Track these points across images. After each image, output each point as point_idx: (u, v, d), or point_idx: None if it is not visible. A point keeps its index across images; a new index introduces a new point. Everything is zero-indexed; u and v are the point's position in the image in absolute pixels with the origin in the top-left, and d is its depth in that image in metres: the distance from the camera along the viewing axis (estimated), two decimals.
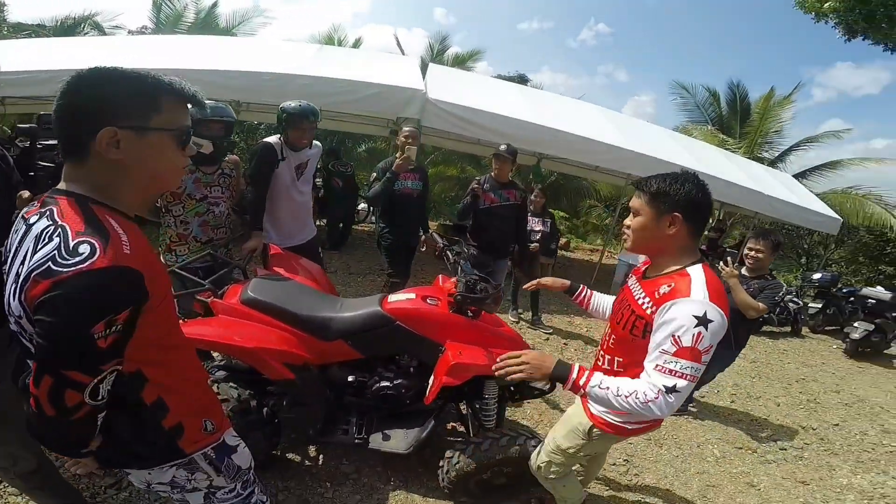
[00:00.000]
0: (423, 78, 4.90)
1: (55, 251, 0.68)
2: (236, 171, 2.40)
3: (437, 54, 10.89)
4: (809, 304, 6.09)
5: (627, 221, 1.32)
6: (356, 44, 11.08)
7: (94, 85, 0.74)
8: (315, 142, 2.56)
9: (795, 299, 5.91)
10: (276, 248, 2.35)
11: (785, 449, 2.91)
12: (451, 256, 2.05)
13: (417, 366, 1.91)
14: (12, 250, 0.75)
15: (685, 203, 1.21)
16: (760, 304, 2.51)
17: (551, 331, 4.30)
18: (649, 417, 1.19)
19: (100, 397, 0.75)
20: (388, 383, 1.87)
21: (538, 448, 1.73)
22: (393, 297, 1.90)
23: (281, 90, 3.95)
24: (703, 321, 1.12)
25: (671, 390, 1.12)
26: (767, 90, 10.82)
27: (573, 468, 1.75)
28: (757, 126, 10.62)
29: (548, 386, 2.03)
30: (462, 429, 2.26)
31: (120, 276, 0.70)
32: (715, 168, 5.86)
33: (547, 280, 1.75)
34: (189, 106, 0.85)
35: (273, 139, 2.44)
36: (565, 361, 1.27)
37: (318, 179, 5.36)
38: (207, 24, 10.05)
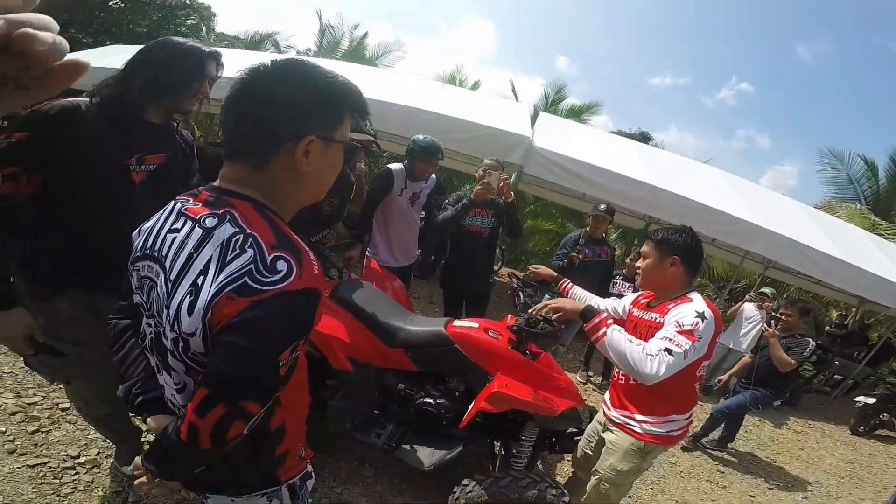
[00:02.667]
0: (533, 126, 5.01)
1: (251, 265, 0.61)
2: (358, 182, 2.64)
3: (551, 103, 10.79)
4: None
5: (638, 263, 1.73)
6: (475, 86, 11.58)
7: (299, 83, 0.68)
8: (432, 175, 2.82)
9: None
10: (374, 262, 2.63)
11: None
12: (522, 297, 2.10)
13: (464, 391, 1.98)
14: (176, 249, 0.68)
15: (681, 248, 1.62)
16: (791, 359, 3.17)
17: None
18: (640, 370, 1.42)
19: (244, 432, 0.68)
20: (431, 400, 1.97)
21: (593, 483, 1.78)
22: (458, 322, 2.03)
23: (406, 122, 4.41)
24: (701, 315, 1.49)
25: (668, 352, 1.42)
26: None
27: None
28: None
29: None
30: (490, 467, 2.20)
31: (312, 299, 0.66)
32: (858, 255, 4.88)
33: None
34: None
35: (396, 166, 2.71)
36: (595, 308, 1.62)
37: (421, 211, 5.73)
38: (357, 52, 11.47)
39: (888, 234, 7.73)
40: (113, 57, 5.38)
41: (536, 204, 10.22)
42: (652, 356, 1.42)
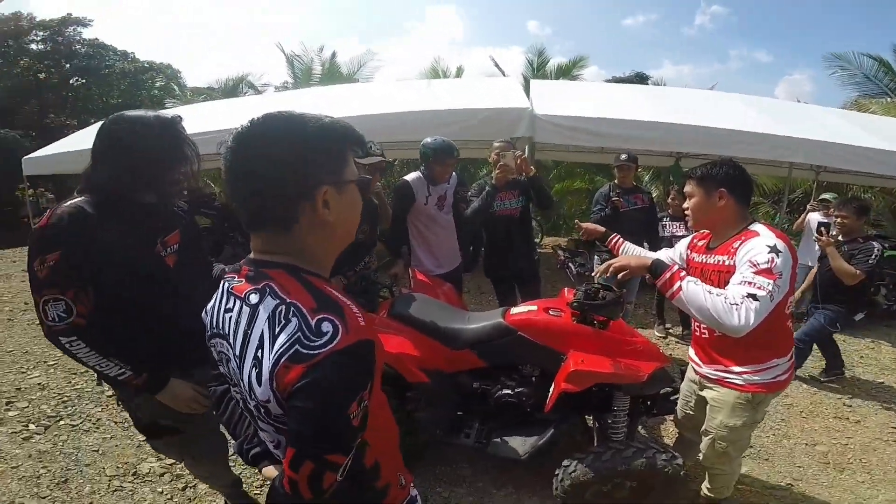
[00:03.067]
0: (529, 96, 4.93)
1: (299, 333, 0.64)
2: (379, 200, 2.70)
3: (538, 68, 10.62)
4: None
5: (686, 204, 1.66)
6: (458, 72, 11.49)
7: (290, 138, 0.67)
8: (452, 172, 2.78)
9: None
10: (418, 273, 2.65)
11: None
12: (573, 268, 2.06)
13: (539, 375, 1.96)
14: (233, 327, 0.72)
15: (725, 179, 1.54)
16: (857, 269, 2.81)
17: None
18: (727, 323, 1.34)
19: (346, 472, 0.71)
20: (509, 391, 1.97)
21: (706, 443, 1.72)
22: (515, 309, 2.02)
23: (402, 128, 4.40)
24: (774, 250, 1.40)
25: (752, 297, 1.34)
26: None
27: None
28: None
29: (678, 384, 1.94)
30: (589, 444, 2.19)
31: (364, 351, 0.67)
32: None
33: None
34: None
35: (412, 176, 2.67)
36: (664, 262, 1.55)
37: None
38: (332, 73, 11.41)
39: None
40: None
41: (559, 167, 10.11)
42: (737, 305, 1.33)
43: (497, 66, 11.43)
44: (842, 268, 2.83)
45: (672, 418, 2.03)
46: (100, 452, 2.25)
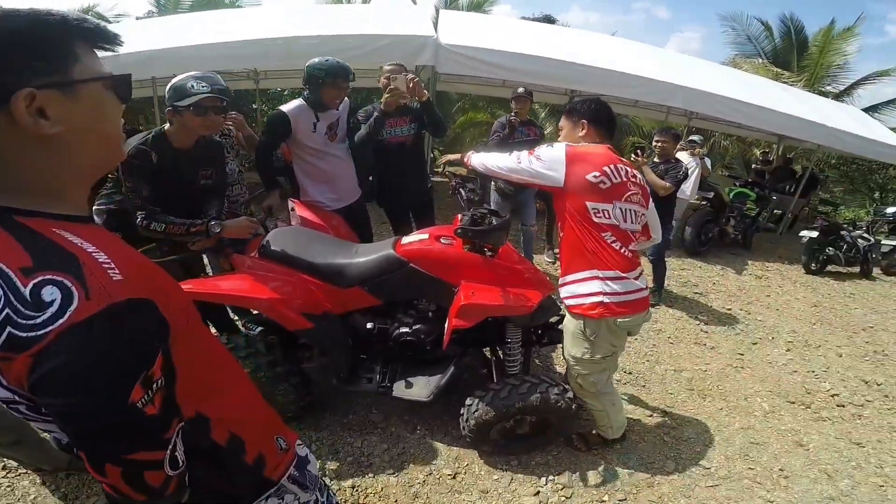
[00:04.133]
0: (437, 27, 4.64)
1: (6, 310, 0.45)
2: (238, 128, 2.37)
3: (450, 2, 10.23)
4: (882, 242, 5.44)
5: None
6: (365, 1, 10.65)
7: None
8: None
9: (866, 235, 5.26)
10: (297, 203, 2.34)
11: (842, 406, 2.64)
12: (464, 194, 1.93)
13: (436, 310, 1.85)
14: None
15: (588, 112, 1.72)
16: (667, 182, 3.22)
17: None
18: (481, 158, 1.82)
19: (179, 463, 0.59)
20: (407, 329, 1.84)
21: (568, 374, 1.82)
22: (406, 239, 1.84)
23: (292, 53, 3.90)
24: (549, 145, 1.68)
25: (510, 154, 1.74)
26: (827, 23, 9.94)
27: (607, 377, 1.86)
28: (817, 60, 9.89)
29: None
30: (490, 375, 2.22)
31: (126, 317, 0.49)
32: (769, 100, 5.36)
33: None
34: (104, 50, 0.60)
35: (291, 105, 2.27)
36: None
37: None
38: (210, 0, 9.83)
39: (791, 82, 8.67)
40: None
41: (463, 99, 10.17)
42: (500, 156, 1.69)
43: None
44: (655, 181, 3.20)
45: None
46: None
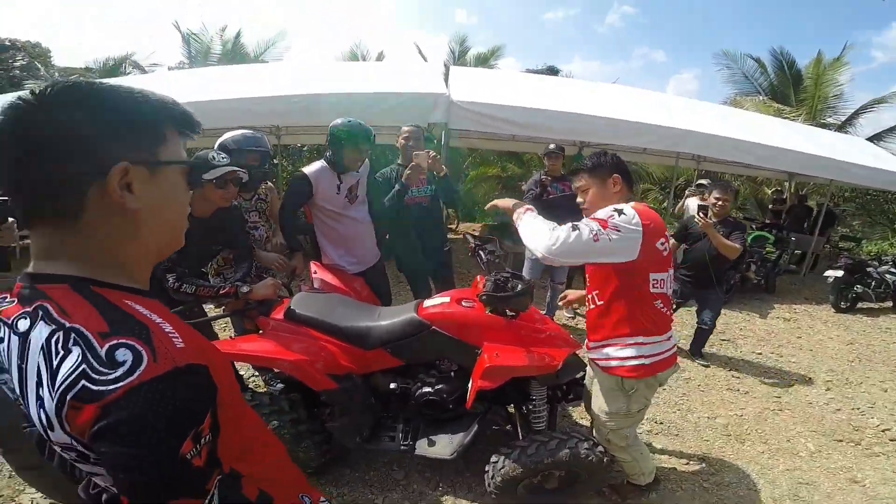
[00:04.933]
0: (448, 84, 4.85)
1: (83, 365, 0.49)
2: (272, 196, 2.49)
3: (459, 56, 10.86)
4: None
5: (580, 199, 1.67)
6: (379, 57, 11.22)
7: (84, 106, 0.52)
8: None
9: (893, 270, 5.12)
10: (318, 265, 2.39)
11: None
12: (484, 256, 1.98)
13: (458, 370, 1.87)
14: (7, 362, 0.57)
15: (616, 166, 1.60)
16: (736, 244, 2.90)
17: None
18: (540, 242, 1.41)
19: None
20: (429, 389, 1.85)
21: (596, 426, 1.77)
22: (428, 303, 1.88)
23: (312, 110, 4.11)
24: (618, 210, 1.43)
25: (574, 227, 1.39)
26: (815, 55, 10.12)
27: (636, 432, 1.81)
28: (813, 92, 9.98)
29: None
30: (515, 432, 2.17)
31: (186, 380, 0.54)
32: (776, 138, 5.42)
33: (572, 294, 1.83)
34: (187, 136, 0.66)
35: (313, 168, 2.31)
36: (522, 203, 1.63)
37: None
38: (235, 54, 10.42)
39: (793, 117, 8.82)
40: None
41: (474, 155, 10.38)
42: (557, 229, 1.39)
43: (420, 52, 11.25)
44: (725, 244, 2.86)
45: (583, 399, 2.05)
46: None
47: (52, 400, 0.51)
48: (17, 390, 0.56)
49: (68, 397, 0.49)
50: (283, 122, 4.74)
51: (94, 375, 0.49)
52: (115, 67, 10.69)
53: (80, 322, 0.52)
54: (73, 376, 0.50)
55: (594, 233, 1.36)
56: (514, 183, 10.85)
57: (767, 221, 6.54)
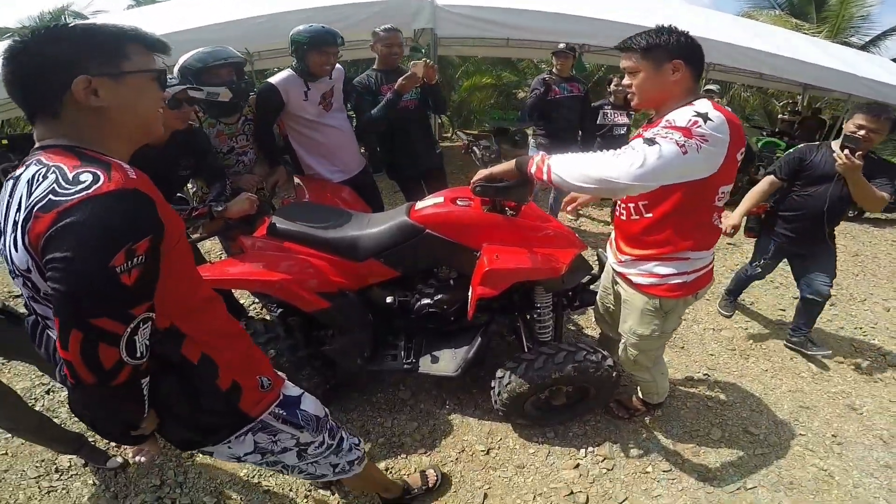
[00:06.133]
0: None
1: (53, 184, 0.63)
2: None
3: None
4: None
5: (627, 81, 1.31)
6: None
7: (49, 43, 0.70)
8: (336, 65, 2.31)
9: None
10: (302, 179, 2.25)
11: (895, 366, 2.44)
12: (478, 152, 1.77)
13: (458, 277, 1.73)
14: (3, 208, 0.71)
15: (683, 48, 1.23)
16: (885, 194, 1.96)
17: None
18: (614, 171, 1.11)
19: (138, 354, 0.69)
20: (428, 300, 1.73)
21: (622, 346, 1.63)
22: (420, 204, 1.71)
23: (281, 29, 3.68)
24: (702, 115, 1.13)
25: (650, 142, 1.10)
26: None
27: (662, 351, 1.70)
28: (838, 11, 9.58)
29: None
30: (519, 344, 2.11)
31: (131, 199, 0.66)
32: (792, 49, 5.05)
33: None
34: (157, 55, 0.82)
35: (279, 77, 2.19)
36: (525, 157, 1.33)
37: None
38: None
39: (812, 33, 8.37)
40: None
41: (467, 63, 9.85)
42: (627, 151, 1.12)
43: None
44: (873, 195, 1.94)
45: (593, 310, 1.94)
46: (10, 454, 1.90)
47: (22, 214, 0.64)
48: (3, 228, 0.69)
49: (35, 209, 0.63)
50: (253, 47, 4.36)
51: (59, 190, 0.63)
52: (54, 20, 9.78)
53: (60, 161, 0.68)
54: (43, 193, 0.64)
55: (678, 143, 1.09)
56: (511, 90, 10.32)
57: (777, 130, 6.27)
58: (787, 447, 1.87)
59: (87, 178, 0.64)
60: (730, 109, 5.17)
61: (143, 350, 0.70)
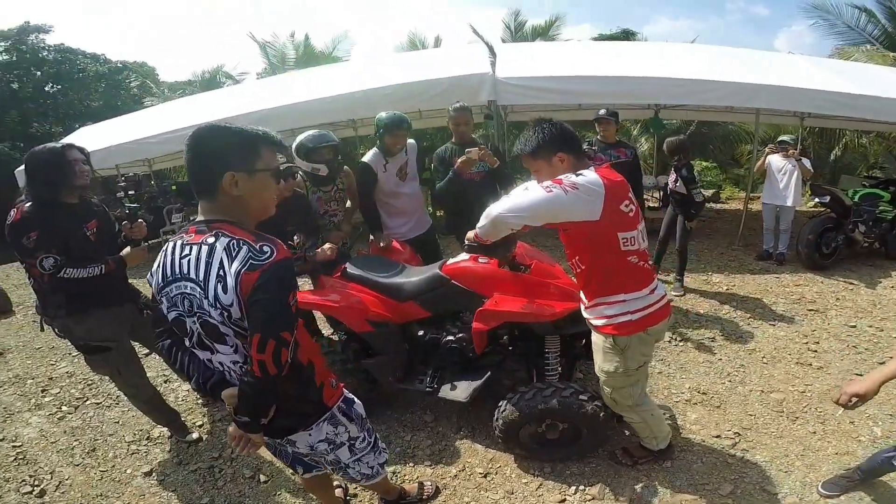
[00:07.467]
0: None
1: (250, 253, 0.97)
2: (348, 180, 2.84)
3: (515, 31, 10.49)
4: None
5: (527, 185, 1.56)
6: (436, 42, 11.34)
7: (213, 140, 1.01)
8: (410, 140, 2.86)
9: None
10: (374, 244, 2.78)
11: None
12: None
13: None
14: (194, 265, 1.01)
15: (557, 141, 1.54)
16: None
17: (683, 293, 3.87)
18: (498, 206, 1.49)
19: (291, 356, 1.02)
20: (452, 337, 2.13)
21: (601, 388, 1.80)
22: (451, 260, 2.15)
23: (374, 103, 4.44)
24: (578, 174, 1.45)
25: (525, 189, 1.46)
26: None
27: (640, 389, 1.79)
28: None
29: None
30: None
31: (290, 263, 1.03)
32: (884, 88, 4.55)
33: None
34: (279, 154, 1.15)
35: (368, 155, 2.78)
36: None
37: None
38: (309, 55, 11.34)
39: None
40: (91, 138, 6.06)
41: None
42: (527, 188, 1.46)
43: (475, 31, 11.16)
44: None
45: None
46: (120, 423, 2.63)
47: (233, 274, 0.97)
48: (200, 279, 1.00)
49: (242, 270, 0.96)
50: (354, 116, 5.32)
51: (256, 257, 0.98)
52: (212, 78, 12.27)
53: (242, 237, 1.00)
54: (245, 258, 0.97)
55: (546, 187, 1.42)
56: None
57: (879, 177, 5.47)
58: None
59: (268, 249, 0.98)
60: (808, 163, 4.77)
61: (293, 354, 1.03)
